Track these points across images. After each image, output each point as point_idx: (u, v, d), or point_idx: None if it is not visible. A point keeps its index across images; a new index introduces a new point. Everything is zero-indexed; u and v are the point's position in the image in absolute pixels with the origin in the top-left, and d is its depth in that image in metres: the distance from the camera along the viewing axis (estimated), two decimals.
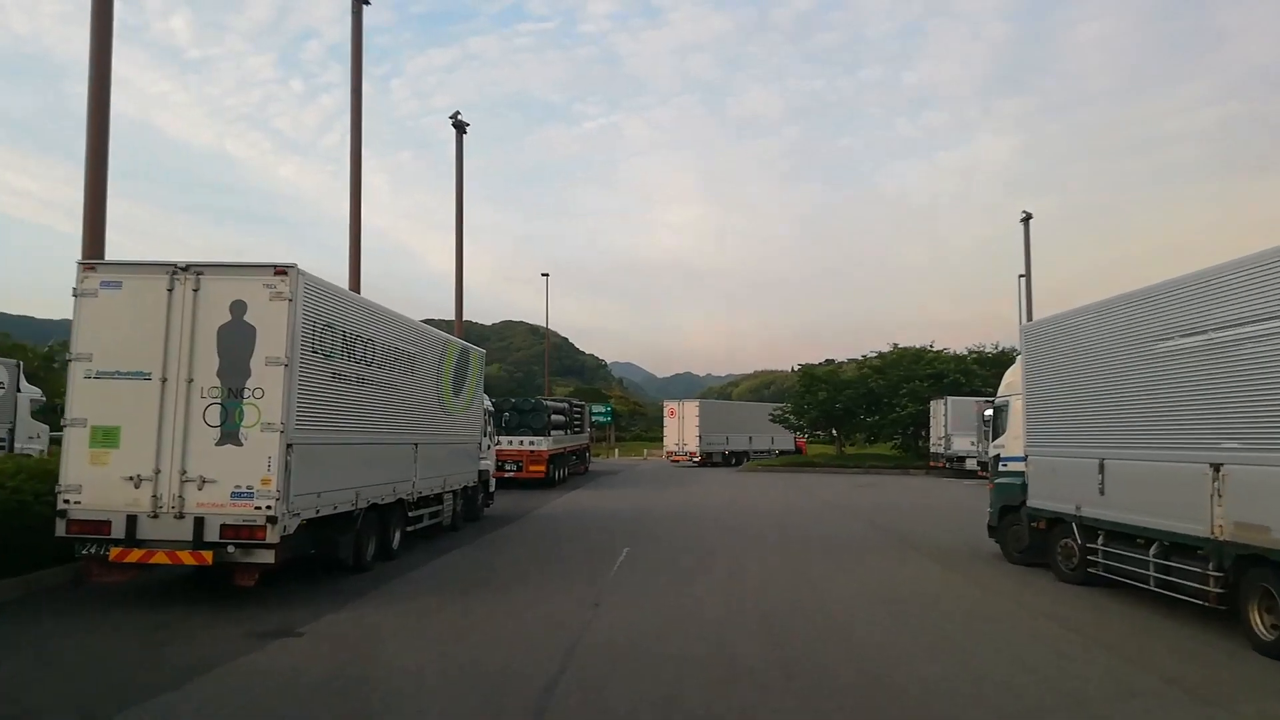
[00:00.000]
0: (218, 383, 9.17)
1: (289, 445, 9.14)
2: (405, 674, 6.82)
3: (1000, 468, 13.87)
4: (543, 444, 28.52)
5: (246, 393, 9.13)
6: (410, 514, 13.51)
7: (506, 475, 27.77)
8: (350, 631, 8.28)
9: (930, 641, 8.05)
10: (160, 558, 8.94)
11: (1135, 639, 8.31)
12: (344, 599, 9.68)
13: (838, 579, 11.58)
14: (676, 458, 47.44)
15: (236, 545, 8.99)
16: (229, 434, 9.09)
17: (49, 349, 48.16)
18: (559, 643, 7.82)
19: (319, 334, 9.91)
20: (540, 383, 67.01)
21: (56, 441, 12.25)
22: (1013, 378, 13.88)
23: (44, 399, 23.30)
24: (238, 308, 9.27)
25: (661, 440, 50.67)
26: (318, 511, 9.96)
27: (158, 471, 9.02)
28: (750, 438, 51.04)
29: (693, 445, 46.39)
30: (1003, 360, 45.23)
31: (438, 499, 15.03)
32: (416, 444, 13.48)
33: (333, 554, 10.73)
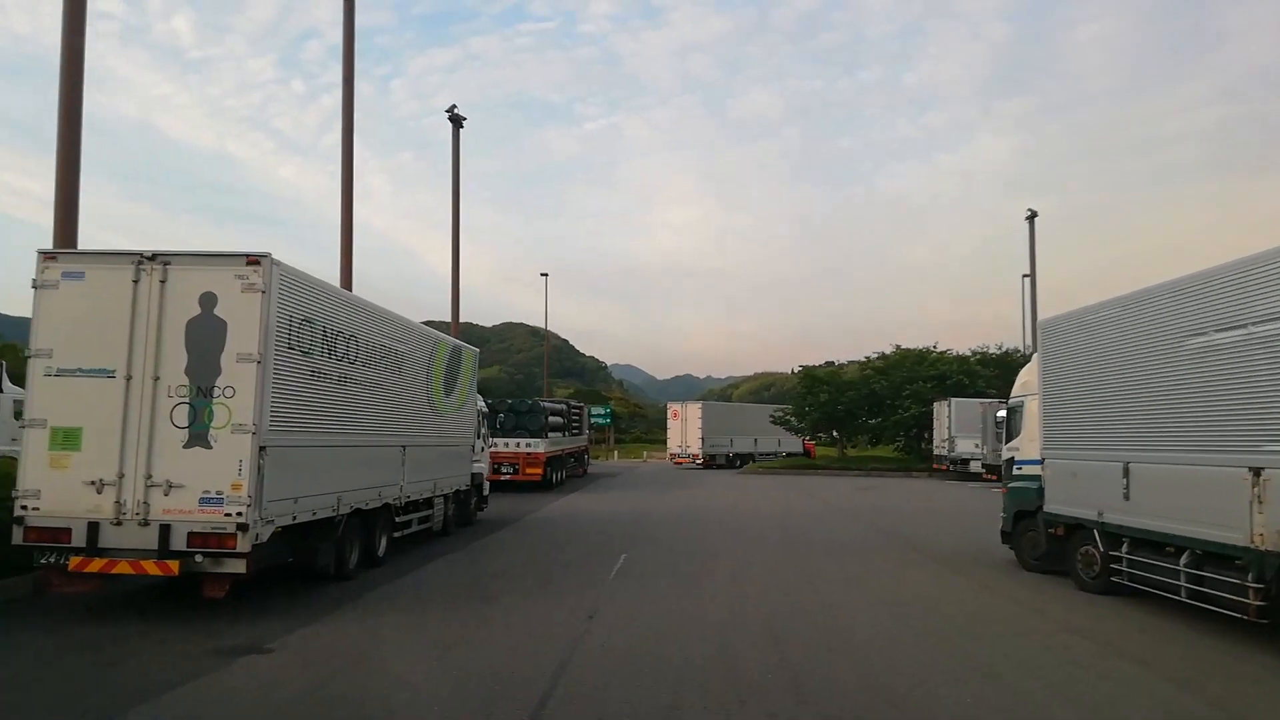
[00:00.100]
0: (186, 381, 8.58)
1: (262, 448, 8.56)
2: (380, 695, 6.23)
3: (1015, 471, 13.26)
4: (540, 446, 27.92)
5: (216, 392, 8.55)
6: (398, 519, 12.92)
7: (503, 478, 27.19)
8: (323, 647, 7.68)
9: (958, 661, 7.44)
10: (123, 568, 8.36)
11: (1183, 660, 7.66)
12: (321, 610, 9.09)
13: (846, 588, 10.98)
14: (679, 460, 47.21)
15: (205, 554, 8.42)
16: (197, 436, 8.51)
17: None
18: (550, 657, 7.24)
19: (296, 329, 9.33)
20: (540, 384, 66.38)
21: None
22: (1028, 377, 13.28)
23: None
24: (207, 300, 8.69)
25: (662, 442, 50.38)
26: (294, 518, 9.37)
27: (121, 476, 8.44)
28: (756, 440, 50.41)
29: (695, 447, 46.17)
30: (1007, 361, 44.74)
31: (428, 503, 14.44)
32: (404, 446, 12.89)
33: (312, 562, 10.14)
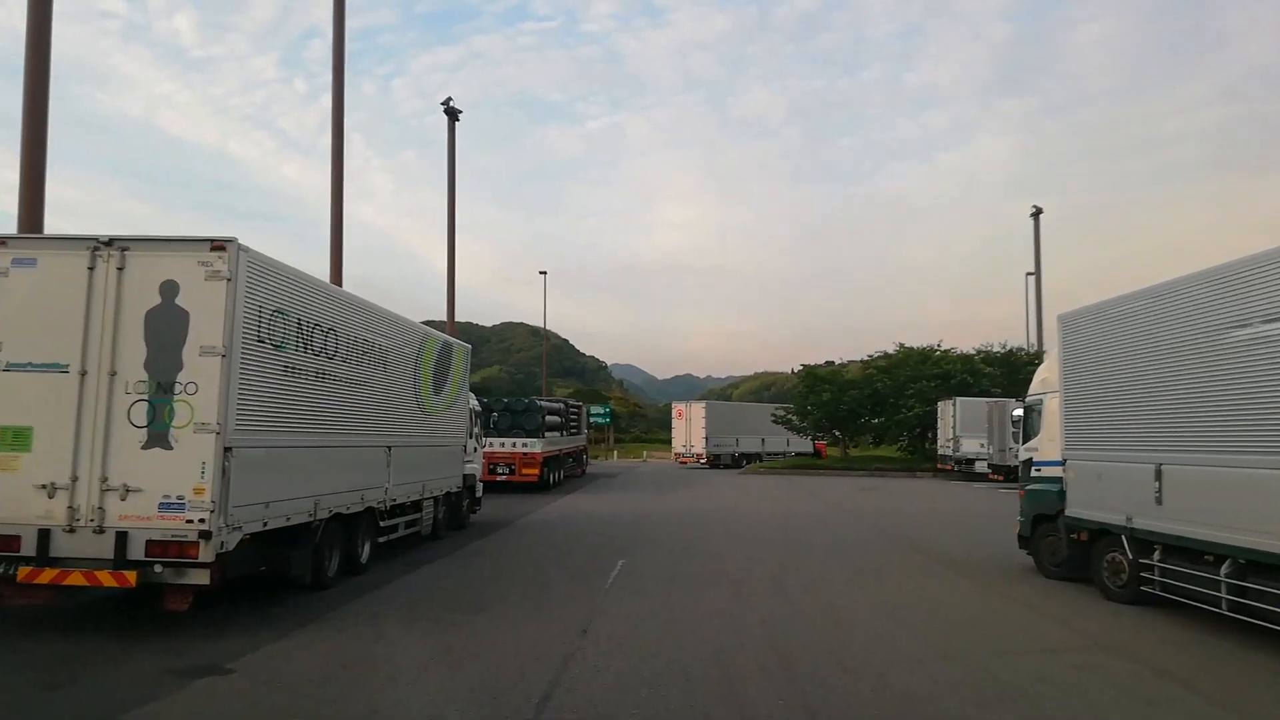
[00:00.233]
0: (145, 376, 7.91)
1: (227, 448, 7.89)
2: None
3: (1033, 472, 12.58)
4: (536, 446, 27.23)
5: (178, 388, 7.87)
6: (382, 524, 12.25)
7: (498, 479, 26.53)
8: (289, 667, 7.01)
9: (989, 685, 6.76)
10: (76, 578, 7.67)
11: (1236, 684, 6.97)
12: (293, 624, 8.42)
13: (858, 600, 10.32)
14: (684, 460, 46.96)
15: (165, 564, 7.74)
16: (157, 436, 7.83)
17: None
18: (537, 679, 6.58)
19: (267, 320, 8.65)
20: (541, 384, 65.65)
21: None
22: (1047, 374, 12.59)
23: None
24: (168, 289, 8.01)
25: (662, 442, 49.93)
26: (265, 524, 8.70)
27: (75, 479, 7.77)
28: (763, 440, 49.72)
29: (700, 447, 45.82)
30: (1012, 360, 44.08)
31: (415, 506, 13.76)
32: (390, 446, 12.21)
33: (286, 571, 9.48)
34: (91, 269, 8.04)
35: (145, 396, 7.87)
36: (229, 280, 7.98)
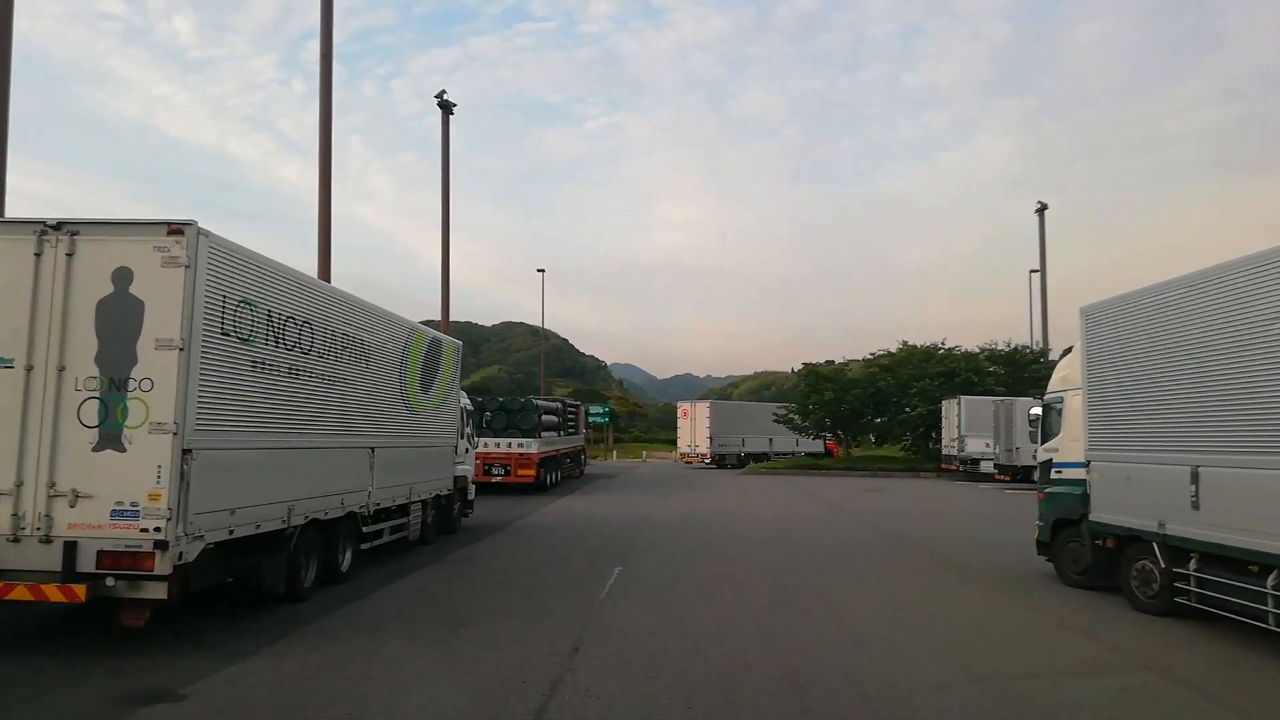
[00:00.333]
0: (96, 371, 7.25)
1: (186, 450, 7.23)
2: None
3: (1053, 474, 11.92)
4: (532, 446, 26.55)
5: (132, 384, 7.21)
6: (366, 529, 11.58)
7: (494, 480, 25.87)
8: (247, 691, 6.34)
9: (1028, 716, 6.12)
10: (21, 593, 7.00)
11: None
12: (262, 641, 7.75)
13: (872, 611, 9.66)
14: (689, 459, 46.66)
15: (117, 577, 7.08)
16: (109, 436, 7.17)
17: None
18: (522, 707, 5.93)
19: (232, 312, 7.99)
20: (540, 383, 64.93)
21: None
22: (1068, 370, 11.92)
23: None
24: (122, 277, 7.35)
25: (662, 441, 49.48)
26: (231, 532, 8.03)
27: (20, 484, 7.10)
28: (771, 439, 49.00)
29: (704, 446, 45.38)
30: (1016, 359, 43.43)
31: (402, 510, 13.10)
32: (373, 448, 11.54)
33: (257, 582, 8.81)
34: (38, 255, 7.36)
35: (96, 394, 7.21)
36: (187, 267, 7.31)
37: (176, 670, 6.77)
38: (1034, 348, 45.86)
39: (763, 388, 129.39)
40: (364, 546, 11.60)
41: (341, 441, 10.59)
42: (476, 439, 20.81)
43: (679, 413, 49.03)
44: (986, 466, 34.45)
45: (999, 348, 44.72)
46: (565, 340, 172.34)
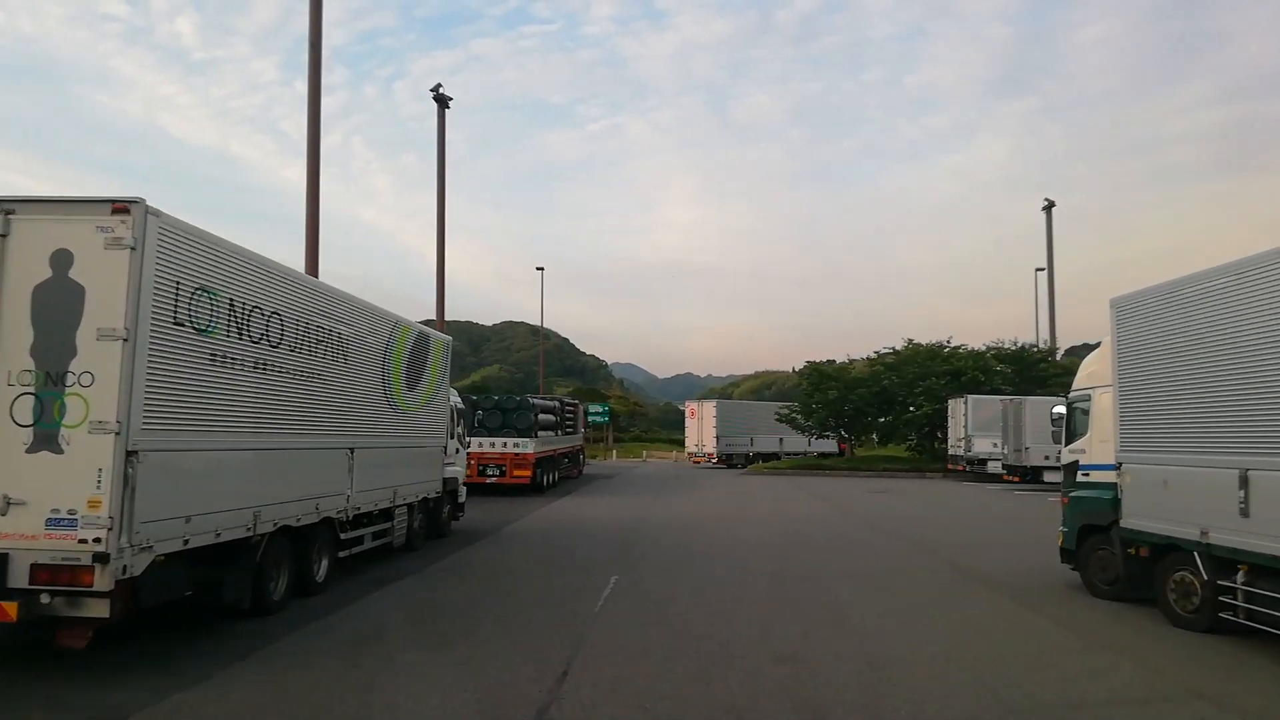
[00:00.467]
0: (31, 365, 6.51)
1: (131, 452, 6.49)
2: None
3: (1079, 477, 11.17)
4: (529, 446, 25.81)
5: (70, 378, 6.47)
6: (344, 536, 10.84)
7: (488, 481, 25.16)
8: None
9: None
10: None
11: None
12: (217, 662, 7.03)
13: (888, 626, 8.93)
14: (696, 459, 46.41)
15: (53, 593, 6.35)
16: (44, 436, 6.44)
17: None
18: None
19: (187, 299, 7.25)
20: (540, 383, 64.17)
21: None
22: (1096, 366, 11.16)
23: None
24: (60, 260, 6.61)
25: (662, 441, 48.91)
26: (186, 542, 7.30)
27: None
28: (781, 439, 48.22)
29: (710, 446, 44.97)
30: (1024, 357, 42.66)
31: (385, 515, 12.36)
32: (352, 448, 10.80)
33: (219, 595, 8.08)
34: None
35: (31, 389, 6.48)
36: (133, 249, 6.57)
37: (120, 697, 6.06)
38: (1041, 346, 45.12)
39: (764, 387, 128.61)
40: (342, 554, 10.88)
41: (316, 442, 9.85)
42: (469, 439, 20.03)
43: (686, 412, 48.74)
44: (994, 467, 33.70)
45: (1006, 346, 43.95)
46: (566, 340, 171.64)
